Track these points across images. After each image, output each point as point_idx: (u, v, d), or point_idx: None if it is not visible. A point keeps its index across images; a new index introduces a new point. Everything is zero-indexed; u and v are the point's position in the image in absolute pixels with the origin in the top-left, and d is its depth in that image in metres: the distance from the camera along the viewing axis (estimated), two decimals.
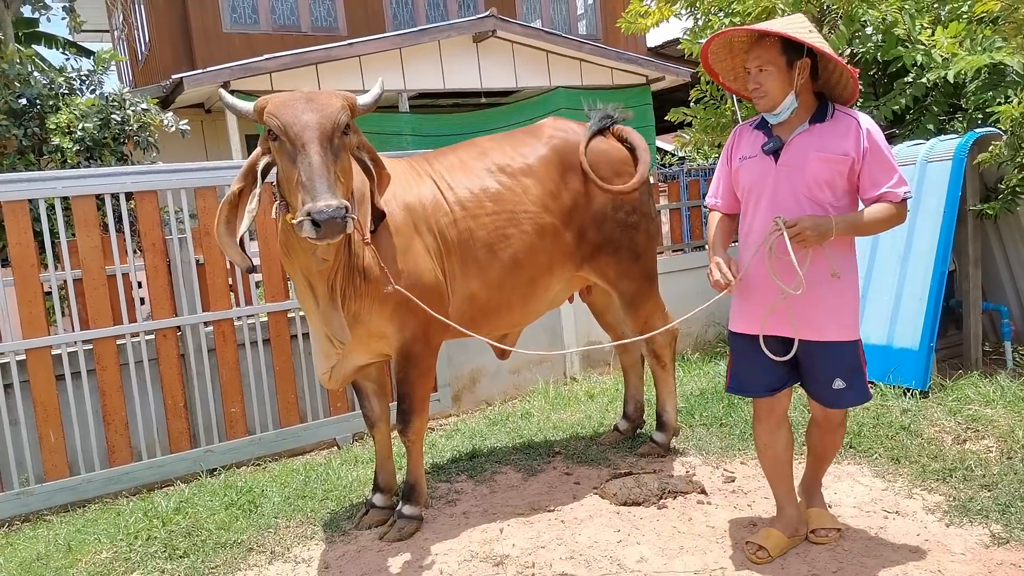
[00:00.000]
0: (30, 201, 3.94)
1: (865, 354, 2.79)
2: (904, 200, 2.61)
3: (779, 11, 5.22)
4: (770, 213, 2.66)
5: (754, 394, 2.88)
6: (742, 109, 6.14)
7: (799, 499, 2.98)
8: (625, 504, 3.39)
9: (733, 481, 3.56)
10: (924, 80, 5.00)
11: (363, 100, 2.80)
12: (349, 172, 2.72)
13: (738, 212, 2.88)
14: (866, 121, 2.64)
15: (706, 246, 6.60)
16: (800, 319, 2.66)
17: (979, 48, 4.65)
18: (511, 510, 3.42)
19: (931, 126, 5.16)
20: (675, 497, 3.41)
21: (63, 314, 4.40)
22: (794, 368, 2.80)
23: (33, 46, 11.74)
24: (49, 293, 4.21)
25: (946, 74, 4.68)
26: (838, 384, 2.71)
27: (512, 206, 3.42)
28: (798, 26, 2.61)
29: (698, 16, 5.99)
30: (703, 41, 6.05)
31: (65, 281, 4.07)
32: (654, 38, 14.55)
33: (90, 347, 4.07)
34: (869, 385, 2.80)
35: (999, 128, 4.43)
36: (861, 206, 2.69)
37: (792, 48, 2.59)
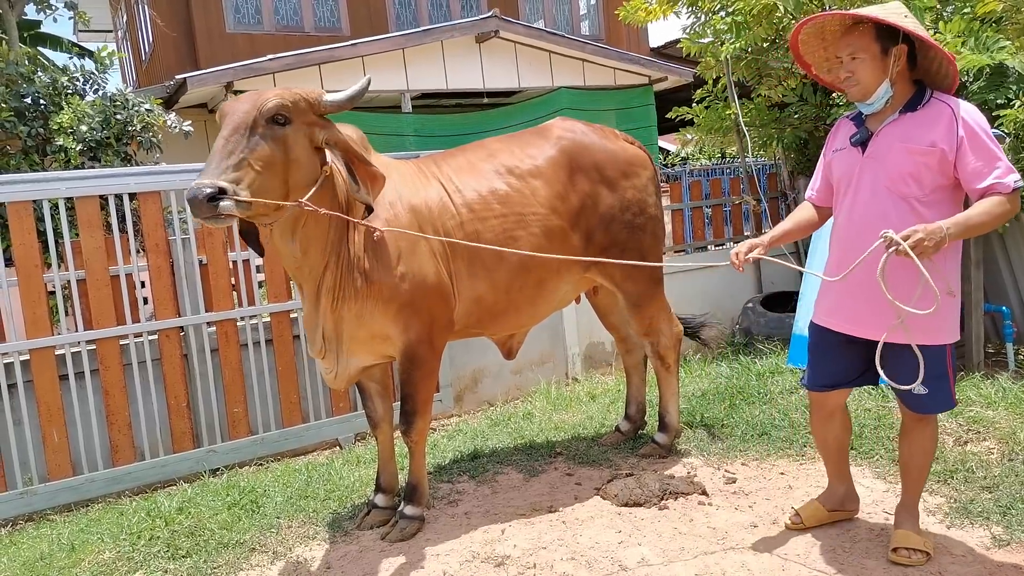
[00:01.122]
0: (34, 201, 3.96)
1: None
2: (1016, 190, 2.39)
3: (779, 7, 5.20)
4: (854, 207, 2.61)
5: (811, 386, 2.87)
6: (744, 111, 6.15)
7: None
8: (626, 505, 3.39)
9: (734, 482, 3.56)
10: None
11: (331, 97, 2.78)
12: (277, 163, 2.66)
13: (829, 206, 2.83)
14: (963, 108, 2.47)
15: (710, 247, 6.68)
16: (880, 320, 2.54)
17: (982, 46, 4.64)
18: (512, 511, 3.43)
19: None
20: (676, 498, 3.42)
21: (67, 313, 4.43)
22: (863, 372, 2.73)
23: (38, 48, 11.78)
24: (52, 293, 4.23)
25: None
26: (919, 389, 2.57)
27: (520, 208, 3.41)
28: (893, 11, 2.49)
29: (698, 15, 5.98)
30: (704, 41, 6.07)
31: (69, 281, 4.08)
32: (656, 38, 14.62)
33: (93, 347, 4.08)
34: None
35: (1002, 130, 4.43)
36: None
37: (887, 34, 2.49)
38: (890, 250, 2.37)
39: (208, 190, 2.42)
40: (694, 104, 6.75)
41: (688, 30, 6.08)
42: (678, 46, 6.68)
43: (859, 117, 2.68)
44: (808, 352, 2.90)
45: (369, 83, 2.81)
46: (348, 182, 2.83)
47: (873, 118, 2.62)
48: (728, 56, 5.60)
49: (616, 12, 6.44)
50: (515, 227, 3.38)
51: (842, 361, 2.73)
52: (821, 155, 2.86)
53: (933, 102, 2.52)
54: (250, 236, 3.02)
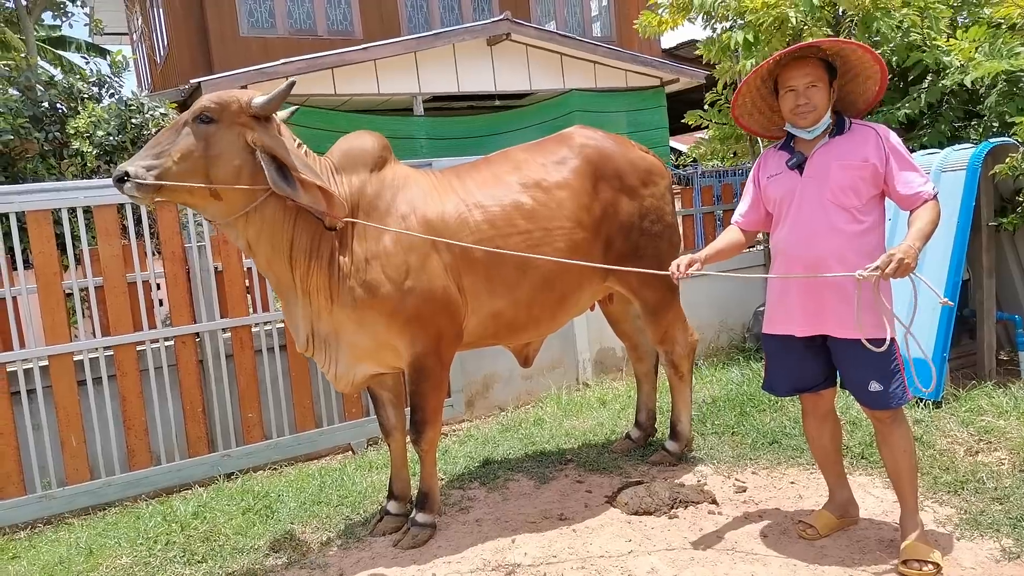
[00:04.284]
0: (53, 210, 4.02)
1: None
2: (935, 196, 2.74)
3: (792, 19, 5.21)
4: (798, 221, 2.86)
5: (779, 393, 3.14)
6: None
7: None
8: (636, 513, 3.42)
9: (744, 491, 3.57)
10: (940, 86, 4.99)
11: (257, 100, 2.92)
12: (195, 156, 2.85)
13: (756, 230, 3.16)
14: (882, 130, 2.84)
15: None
16: (832, 317, 2.81)
17: (997, 53, 4.62)
18: (523, 518, 3.46)
19: (943, 127, 5.15)
20: (686, 507, 3.43)
21: (83, 315, 4.49)
22: (829, 368, 2.97)
23: (58, 52, 11.91)
24: (70, 295, 4.29)
25: (963, 79, 4.66)
26: (874, 387, 2.79)
27: (546, 223, 3.39)
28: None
29: (714, 25, 6.00)
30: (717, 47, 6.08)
31: (87, 289, 4.15)
32: (668, 40, 14.58)
33: (111, 353, 4.14)
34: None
35: (1015, 139, 4.41)
36: (890, 211, 2.91)
37: (830, 69, 2.84)
38: (887, 273, 2.57)
39: (119, 173, 2.79)
40: (706, 107, 6.76)
41: (704, 43, 6.11)
42: (695, 49, 6.69)
43: (786, 146, 2.97)
44: (768, 362, 3.13)
45: (292, 86, 2.94)
46: (279, 185, 2.86)
47: (804, 145, 2.91)
48: (741, 72, 5.64)
49: (633, 25, 6.48)
50: (540, 243, 3.35)
51: (803, 366, 2.97)
52: (749, 184, 3.12)
53: (855, 127, 2.87)
54: None
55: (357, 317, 3.08)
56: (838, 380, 3.02)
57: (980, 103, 5.07)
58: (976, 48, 4.76)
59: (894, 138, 2.81)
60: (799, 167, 2.88)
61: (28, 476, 3.96)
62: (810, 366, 2.96)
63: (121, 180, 2.77)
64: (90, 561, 3.36)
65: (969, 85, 4.74)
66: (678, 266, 2.89)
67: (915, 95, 5.15)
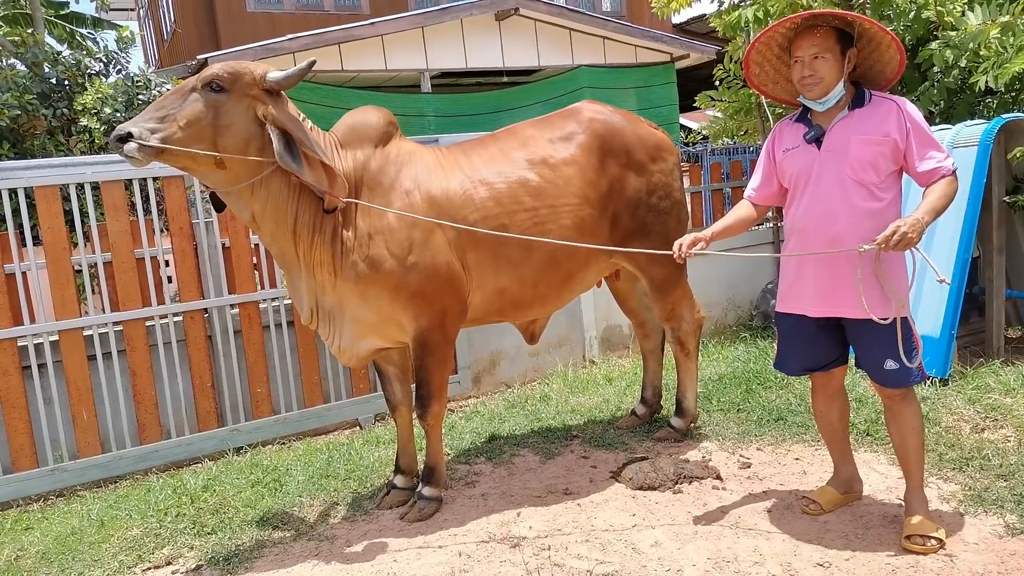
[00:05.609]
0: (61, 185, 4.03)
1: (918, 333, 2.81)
2: (954, 172, 2.68)
3: None
4: (815, 198, 2.78)
5: (790, 372, 3.12)
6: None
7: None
8: (641, 488, 3.44)
9: (749, 467, 3.59)
10: (952, 77, 4.94)
11: (273, 75, 2.90)
12: (203, 124, 2.81)
13: (769, 205, 3.08)
14: (903, 102, 2.75)
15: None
16: (846, 298, 2.76)
17: (1012, 43, 4.54)
18: (528, 493, 3.49)
19: (967, 115, 5.10)
20: (690, 482, 3.45)
21: (93, 292, 4.53)
22: (841, 348, 2.94)
23: (67, 25, 11.89)
24: (79, 271, 4.33)
25: (988, 81, 4.59)
26: (890, 365, 2.76)
27: (552, 200, 3.38)
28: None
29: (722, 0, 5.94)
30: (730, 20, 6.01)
31: (95, 265, 4.17)
32: (679, 14, 14.39)
33: (120, 328, 4.18)
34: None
35: None
36: (906, 186, 2.84)
37: (844, 38, 2.73)
38: (888, 245, 2.53)
39: (121, 132, 2.71)
40: (716, 84, 6.70)
41: (714, 14, 6.04)
42: (707, 23, 6.63)
43: (802, 118, 2.88)
44: (780, 340, 3.08)
45: (311, 64, 2.92)
46: (285, 161, 2.85)
47: (821, 117, 2.82)
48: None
49: (651, 5, 6.43)
50: (546, 220, 3.34)
51: (816, 345, 2.94)
52: (763, 157, 3.02)
53: (876, 99, 2.78)
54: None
55: (360, 292, 3.09)
56: (850, 358, 2.99)
57: (1001, 101, 5.01)
58: (994, 30, 4.67)
59: (914, 111, 2.73)
60: (817, 141, 2.80)
61: (40, 449, 4.01)
62: (822, 345, 2.93)
63: (122, 140, 2.70)
64: (102, 532, 3.42)
65: (996, 87, 4.64)
66: (680, 246, 2.85)
67: (932, 81, 5.09)
